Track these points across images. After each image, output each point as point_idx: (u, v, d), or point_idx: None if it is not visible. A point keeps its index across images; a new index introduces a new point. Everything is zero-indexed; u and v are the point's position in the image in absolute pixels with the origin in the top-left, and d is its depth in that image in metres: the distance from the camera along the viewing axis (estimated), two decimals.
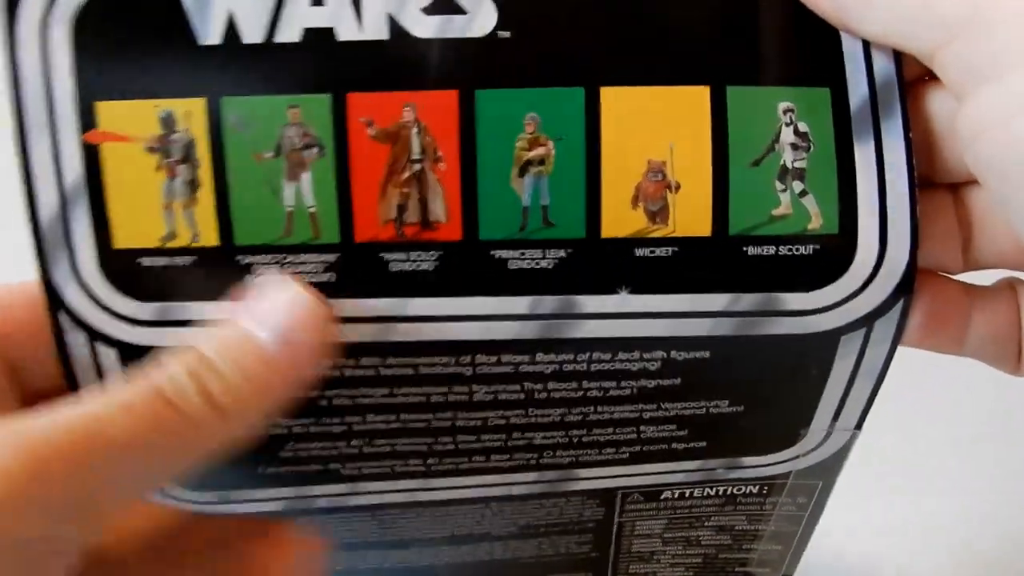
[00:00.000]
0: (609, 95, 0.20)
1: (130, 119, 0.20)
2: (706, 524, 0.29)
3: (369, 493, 0.25)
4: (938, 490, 0.40)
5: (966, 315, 0.22)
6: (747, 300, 0.21)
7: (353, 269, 0.21)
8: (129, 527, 0.23)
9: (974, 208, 0.22)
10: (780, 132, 0.20)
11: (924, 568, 0.39)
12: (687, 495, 0.27)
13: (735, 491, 0.27)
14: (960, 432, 0.43)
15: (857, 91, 0.20)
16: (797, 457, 0.25)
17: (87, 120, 0.20)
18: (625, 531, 0.29)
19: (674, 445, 0.24)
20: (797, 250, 0.21)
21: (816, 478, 0.26)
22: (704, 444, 0.25)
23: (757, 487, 0.27)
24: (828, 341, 0.22)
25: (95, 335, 0.21)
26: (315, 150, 0.20)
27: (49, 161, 0.20)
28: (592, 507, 0.27)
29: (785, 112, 0.20)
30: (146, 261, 0.21)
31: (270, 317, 0.20)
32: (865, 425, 0.24)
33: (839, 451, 0.25)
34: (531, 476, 0.25)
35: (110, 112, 0.20)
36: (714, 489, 0.27)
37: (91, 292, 0.21)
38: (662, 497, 0.27)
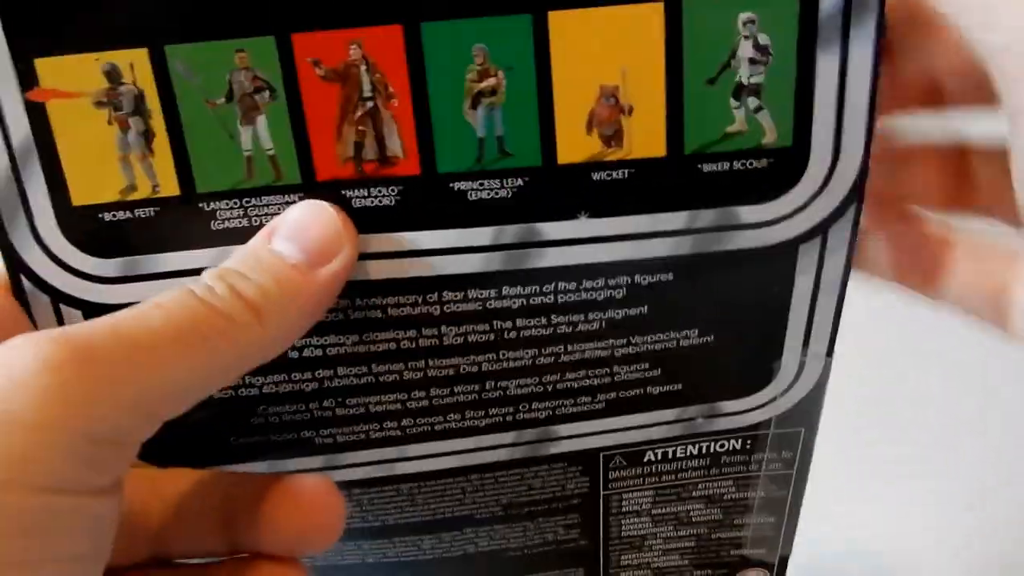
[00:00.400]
0: (557, 20, 0.20)
1: (73, 74, 0.20)
2: (694, 494, 0.28)
3: (345, 467, 0.25)
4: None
5: (945, 255, 0.22)
6: (705, 216, 0.21)
7: None
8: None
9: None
10: (738, 46, 0.20)
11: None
12: (670, 455, 0.27)
13: (718, 448, 0.27)
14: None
15: None
16: (775, 399, 0.25)
17: (27, 78, 0.20)
18: (612, 507, 0.28)
19: (649, 389, 0.25)
20: (751, 164, 0.21)
21: (797, 424, 0.26)
22: (679, 387, 0.25)
23: (740, 441, 0.27)
24: (786, 252, 0.22)
25: (59, 296, 0.21)
26: (267, 93, 0.20)
27: None
28: (576, 476, 0.27)
29: (745, 24, 0.20)
30: (107, 216, 0.21)
31: (286, 227, 0.21)
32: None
33: (815, 387, 0.25)
34: (509, 437, 0.25)
35: (50, 68, 0.20)
36: (696, 447, 0.27)
37: (52, 252, 0.21)
38: (645, 460, 0.27)
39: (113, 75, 0.20)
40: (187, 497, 0.23)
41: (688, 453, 0.27)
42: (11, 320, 0.21)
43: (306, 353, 0.23)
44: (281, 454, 0.25)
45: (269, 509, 0.22)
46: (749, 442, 0.27)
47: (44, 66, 0.20)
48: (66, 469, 0.17)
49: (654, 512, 0.29)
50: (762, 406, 0.26)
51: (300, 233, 0.21)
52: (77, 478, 0.17)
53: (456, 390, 0.24)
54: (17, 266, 0.21)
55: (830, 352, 0.24)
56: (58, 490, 0.17)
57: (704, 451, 0.27)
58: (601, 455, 0.26)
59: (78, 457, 0.17)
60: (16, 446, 0.16)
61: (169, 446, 0.22)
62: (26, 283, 0.21)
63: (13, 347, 0.17)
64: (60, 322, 0.22)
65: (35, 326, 0.22)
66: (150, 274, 0.21)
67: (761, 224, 0.21)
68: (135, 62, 0.20)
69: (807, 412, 0.26)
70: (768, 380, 0.25)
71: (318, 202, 0.21)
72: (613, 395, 0.25)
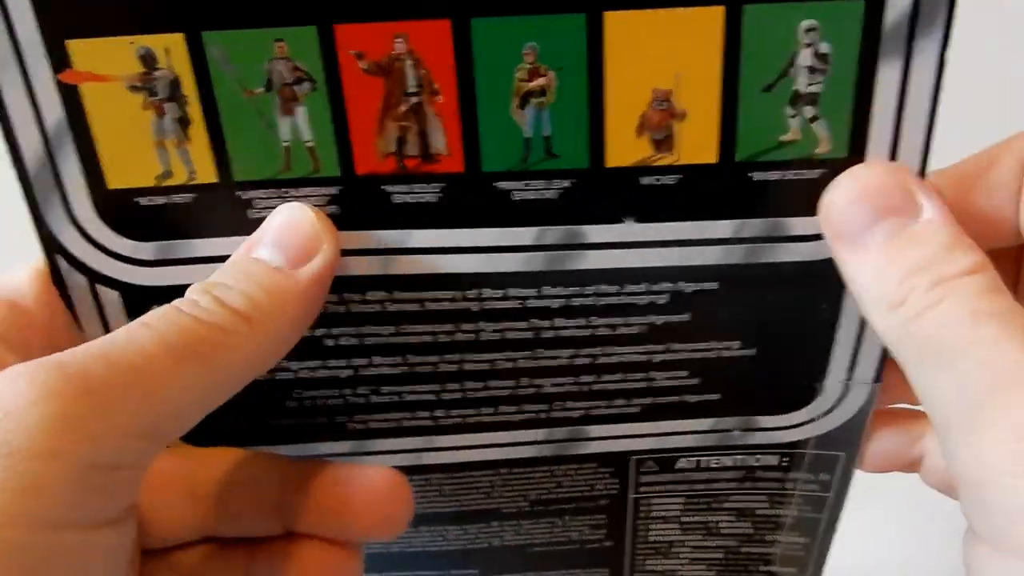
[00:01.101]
0: (613, 20, 0.19)
1: (106, 57, 0.19)
2: (725, 505, 0.27)
3: (375, 453, 0.25)
4: None
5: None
6: (753, 226, 0.21)
7: (355, 201, 0.21)
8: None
9: None
10: (798, 55, 0.19)
11: None
12: (703, 465, 0.26)
13: (753, 462, 0.26)
14: None
15: (898, 3, 0.18)
16: (815, 419, 0.25)
17: (59, 59, 0.19)
18: (641, 512, 0.28)
19: (686, 397, 0.24)
20: (803, 174, 0.20)
21: (838, 448, 0.25)
22: (717, 397, 0.24)
23: (776, 458, 0.26)
24: (836, 269, 0.21)
25: (96, 277, 0.21)
26: (307, 84, 0.20)
27: (25, 102, 0.19)
28: (605, 478, 0.27)
29: (807, 32, 0.19)
30: (143, 200, 0.21)
31: (268, 235, 0.20)
32: None
33: (859, 412, 0.24)
34: (540, 434, 0.25)
35: (83, 50, 0.19)
36: (731, 458, 0.26)
37: (88, 233, 0.21)
38: (677, 467, 0.26)
39: (148, 60, 0.19)
40: (240, 478, 0.23)
41: (722, 464, 0.26)
42: (41, 324, 0.21)
43: (342, 341, 0.23)
44: (313, 437, 0.25)
45: (338, 496, 0.23)
46: (786, 460, 0.26)
47: (76, 48, 0.19)
48: (73, 500, 0.16)
49: (683, 520, 0.28)
50: (801, 425, 0.25)
51: (279, 237, 0.20)
52: (84, 509, 0.17)
53: (490, 384, 0.24)
54: (54, 247, 0.21)
55: (878, 378, 0.24)
56: (66, 525, 0.16)
57: (739, 464, 0.26)
58: (632, 458, 0.26)
59: (85, 486, 0.16)
60: (19, 478, 0.15)
61: (205, 426, 0.22)
62: (63, 264, 0.21)
63: (7, 378, 0.16)
64: (97, 303, 0.22)
65: (72, 312, 0.22)
66: (187, 258, 0.21)
67: (810, 237, 0.21)
68: (171, 47, 0.19)
69: (849, 437, 0.25)
70: (810, 399, 0.24)
71: (295, 204, 0.21)
72: (649, 400, 0.24)
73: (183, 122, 0.20)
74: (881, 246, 0.19)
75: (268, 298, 0.19)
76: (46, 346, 0.21)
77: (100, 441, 0.16)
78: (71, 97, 0.19)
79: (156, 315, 0.19)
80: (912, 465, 0.25)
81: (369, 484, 0.23)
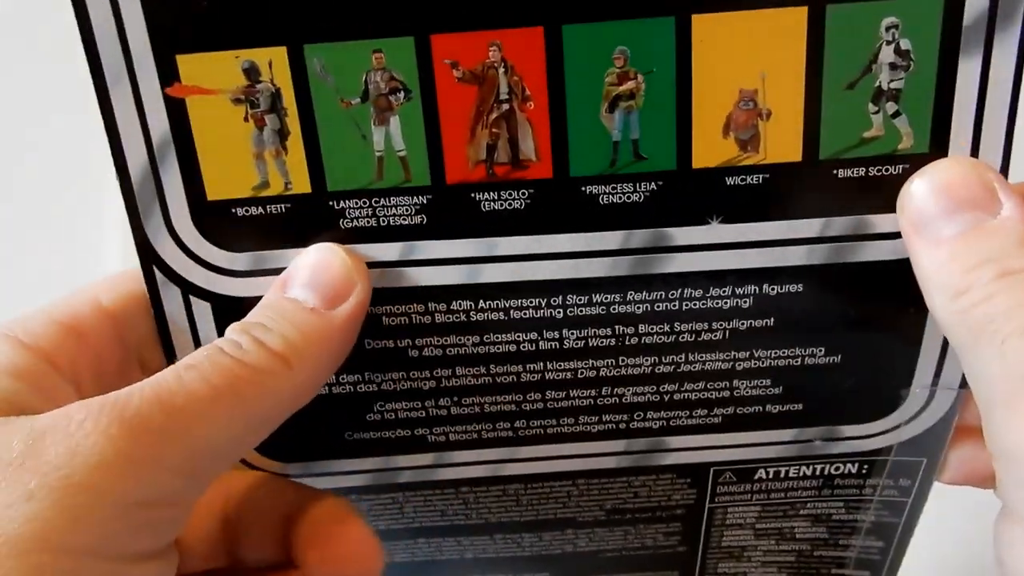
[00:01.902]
0: (701, 23, 0.20)
1: (212, 71, 0.20)
2: (801, 512, 0.27)
3: (454, 465, 0.25)
4: None
5: None
6: (839, 224, 0.21)
7: (444, 210, 0.21)
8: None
9: None
10: (879, 51, 0.20)
11: None
12: (782, 475, 0.26)
13: (833, 470, 0.26)
14: None
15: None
16: (899, 426, 0.24)
17: (168, 73, 0.20)
18: (716, 520, 0.27)
19: (768, 407, 0.24)
20: (887, 170, 0.21)
21: (920, 454, 0.25)
22: (800, 407, 0.24)
23: (856, 465, 0.26)
24: None
25: (189, 288, 0.22)
26: (402, 94, 0.20)
27: (133, 116, 0.20)
28: (683, 488, 0.26)
29: (888, 29, 0.20)
30: (240, 211, 0.21)
31: (298, 274, 0.21)
32: None
33: (944, 417, 0.24)
34: (620, 445, 0.25)
35: (191, 65, 0.20)
36: (811, 468, 0.26)
37: (185, 245, 0.21)
38: (756, 477, 0.26)
39: (252, 73, 0.20)
40: (254, 502, 0.24)
41: (801, 474, 0.26)
42: (106, 345, 0.22)
43: (426, 352, 0.23)
44: (393, 450, 0.25)
45: (318, 538, 0.23)
46: (866, 467, 0.26)
47: (185, 63, 0.20)
48: (119, 535, 0.17)
49: (758, 526, 0.28)
50: (884, 432, 0.25)
51: (313, 278, 0.21)
52: (129, 543, 0.18)
53: (572, 394, 0.24)
54: (151, 258, 0.21)
55: (964, 384, 0.23)
56: (110, 557, 0.17)
57: (818, 472, 0.26)
58: (712, 470, 0.26)
59: (130, 523, 0.17)
60: (73, 510, 0.16)
61: (286, 440, 0.22)
62: (158, 275, 0.21)
63: (71, 416, 0.17)
64: (189, 313, 0.22)
65: (163, 318, 0.22)
66: (278, 268, 0.22)
67: (895, 235, 0.21)
68: (274, 60, 0.20)
69: (931, 443, 0.25)
70: (894, 407, 0.24)
71: (327, 244, 0.21)
72: (731, 410, 0.24)
73: (282, 133, 0.21)
74: (955, 237, 0.19)
75: (304, 340, 0.20)
76: (94, 373, 0.22)
77: (147, 480, 0.18)
78: (177, 110, 0.20)
79: (201, 356, 0.19)
80: (988, 480, 0.25)
81: (338, 539, 0.23)
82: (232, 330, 0.20)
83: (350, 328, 0.21)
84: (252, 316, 0.21)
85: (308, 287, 0.21)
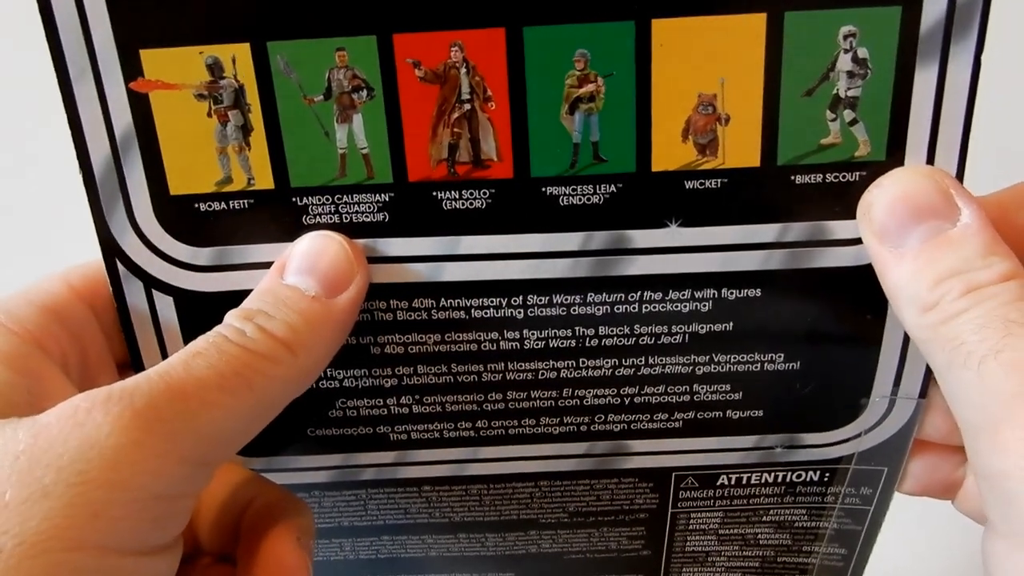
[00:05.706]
0: (661, 27, 0.20)
1: (176, 66, 0.20)
2: (764, 519, 0.27)
3: (417, 464, 0.25)
4: None
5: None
6: (796, 230, 0.21)
7: (407, 208, 0.21)
8: None
9: None
10: (837, 59, 0.20)
11: None
12: (744, 481, 0.26)
13: (795, 478, 0.26)
14: None
15: (933, 9, 0.19)
16: (860, 435, 0.24)
17: (132, 68, 0.20)
18: (679, 524, 0.27)
19: (729, 413, 0.24)
20: (844, 177, 0.21)
21: (881, 463, 0.25)
22: (760, 414, 0.24)
23: (818, 473, 0.26)
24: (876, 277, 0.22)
25: (152, 282, 0.22)
26: (364, 92, 0.20)
27: (96, 110, 0.20)
28: (645, 492, 0.26)
29: (846, 38, 0.20)
30: (202, 206, 0.21)
31: (296, 260, 0.21)
32: None
33: (904, 427, 0.24)
34: (581, 447, 0.25)
35: (155, 59, 0.20)
36: (772, 475, 0.26)
37: (147, 239, 0.22)
38: (718, 483, 0.26)
39: (215, 68, 0.20)
40: (219, 491, 0.24)
41: (763, 480, 0.26)
42: (86, 327, 0.22)
43: (387, 350, 0.23)
44: (355, 448, 0.25)
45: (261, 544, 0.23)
46: (828, 475, 0.26)
47: (149, 58, 0.20)
48: (135, 528, 0.17)
49: (721, 532, 0.28)
50: (845, 441, 0.25)
51: (312, 265, 0.21)
52: (144, 537, 0.17)
53: (533, 395, 0.24)
54: (113, 251, 0.21)
55: (923, 394, 0.23)
56: (127, 551, 0.17)
57: (780, 479, 0.26)
58: (673, 475, 0.26)
59: (146, 515, 0.17)
60: (91, 505, 0.16)
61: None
62: (121, 268, 0.22)
63: (81, 407, 0.17)
64: (152, 307, 0.22)
65: (126, 311, 0.22)
66: (240, 264, 0.22)
67: (852, 241, 0.21)
68: (237, 56, 0.20)
69: (892, 452, 0.25)
70: (854, 415, 0.24)
71: (325, 233, 0.21)
72: (691, 415, 0.24)
73: (245, 129, 0.21)
74: (917, 248, 0.20)
75: (308, 327, 0.20)
76: (79, 354, 0.22)
77: (160, 472, 0.17)
78: (140, 105, 0.20)
79: (206, 343, 0.19)
80: (948, 491, 0.25)
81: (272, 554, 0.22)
82: (234, 317, 0.20)
83: (349, 316, 0.21)
84: (252, 302, 0.21)
85: (308, 274, 0.21)
